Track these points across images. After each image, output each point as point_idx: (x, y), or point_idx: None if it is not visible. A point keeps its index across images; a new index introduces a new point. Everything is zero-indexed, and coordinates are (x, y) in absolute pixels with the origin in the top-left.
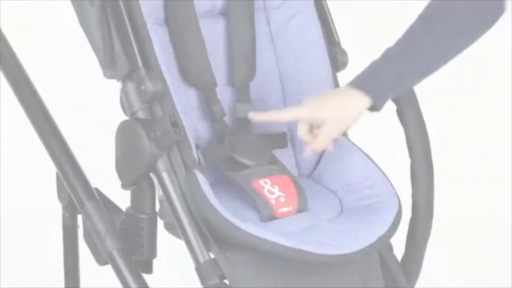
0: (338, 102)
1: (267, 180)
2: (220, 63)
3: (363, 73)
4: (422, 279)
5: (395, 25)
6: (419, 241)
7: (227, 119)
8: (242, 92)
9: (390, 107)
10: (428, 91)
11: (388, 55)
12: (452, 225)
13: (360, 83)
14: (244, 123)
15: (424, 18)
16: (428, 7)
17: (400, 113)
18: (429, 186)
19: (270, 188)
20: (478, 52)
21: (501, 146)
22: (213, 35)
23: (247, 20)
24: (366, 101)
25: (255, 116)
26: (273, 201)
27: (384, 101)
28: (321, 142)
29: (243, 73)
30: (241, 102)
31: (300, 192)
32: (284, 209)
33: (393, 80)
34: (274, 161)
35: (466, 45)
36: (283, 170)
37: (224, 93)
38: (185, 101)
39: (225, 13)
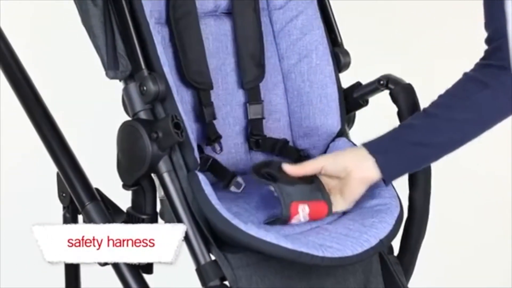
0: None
1: (306, 208)
2: (225, 64)
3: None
4: (422, 279)
5: (398, 26)
6: (413, 242)
7: (240, 120)
8: (252, 93)
9: (391, 109)
10: (427, 94)
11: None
12: (450, 227)
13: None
14: (256, 124)
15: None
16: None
17: (401, 116)
18: (426, 188)
19: (301, 217)
20: (477, 51)
21: (500, 148)
22: (217, 35)
23: (254, 20)
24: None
25: (288, 169)
26: (293, 221)
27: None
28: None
29: (252, 74)
30: (252, 104)
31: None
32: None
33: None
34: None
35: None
36: (324, 195)
37: (235, 95)
38: (184, 102)
39: (228, 13)
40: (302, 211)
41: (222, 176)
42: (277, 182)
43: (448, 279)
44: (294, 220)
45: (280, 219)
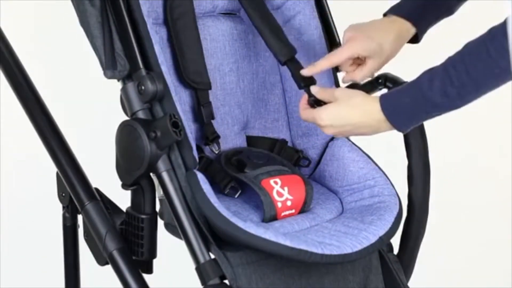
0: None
1: (278, 180)
2: (223, 65)
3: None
4: (422, 278)
5: None
6: (413, 240)
7: (238, 120)
8: None
9: None
10: None
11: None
12: (450, 225)
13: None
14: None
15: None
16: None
17: None
18: (425, 186)
19: (279, 190)
20: None
21: (500, 146)
22: (214, 35)
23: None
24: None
25: (307, 71)
26: (279, 204)
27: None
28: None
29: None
30: None
31: (309, 196)
32: (287, 212)
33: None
34: (284, 163)
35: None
36: (294, 171)
37: (233, 95)
38: (182, 102)
39: (226, 13)
40: (276, 184)
41: (219, 178)
42: (245, 169)
43: (448, 279)
44: (277, 198)
45: (271, 212)
